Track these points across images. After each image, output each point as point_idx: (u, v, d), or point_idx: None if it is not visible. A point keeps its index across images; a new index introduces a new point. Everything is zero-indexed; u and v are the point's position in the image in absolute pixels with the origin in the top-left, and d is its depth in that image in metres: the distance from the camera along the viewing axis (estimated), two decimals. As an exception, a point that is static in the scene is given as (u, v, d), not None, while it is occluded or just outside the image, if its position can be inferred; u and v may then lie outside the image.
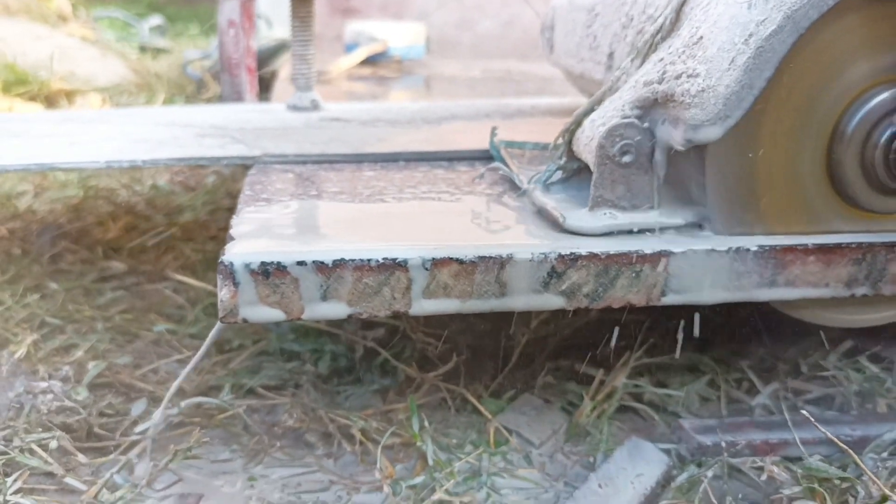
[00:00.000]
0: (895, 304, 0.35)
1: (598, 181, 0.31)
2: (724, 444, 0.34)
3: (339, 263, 0.29)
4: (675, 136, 0.30)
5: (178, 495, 0.33)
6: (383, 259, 0.29)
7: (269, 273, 0.29)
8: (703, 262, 0.30)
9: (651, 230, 0.31)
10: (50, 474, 0.33)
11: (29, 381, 0.39)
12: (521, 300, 0.31)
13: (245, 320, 0.29)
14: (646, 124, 0.31)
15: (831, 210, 0.32)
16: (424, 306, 0.30)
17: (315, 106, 0.57)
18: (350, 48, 0.92)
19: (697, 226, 0.32)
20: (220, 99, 0.63)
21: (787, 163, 0.31)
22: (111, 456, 0.34)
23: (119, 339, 0.43)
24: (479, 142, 0.43)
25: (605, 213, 0.31)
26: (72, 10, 1.62)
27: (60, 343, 0.43)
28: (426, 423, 0.36)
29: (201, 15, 2.78)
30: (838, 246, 0.32)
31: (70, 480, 0.33)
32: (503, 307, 0.31)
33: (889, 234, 0.32)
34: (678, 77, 0.29)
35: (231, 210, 0.55)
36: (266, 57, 1.16)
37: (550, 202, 0.33)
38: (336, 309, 0.30)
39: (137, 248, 0.55)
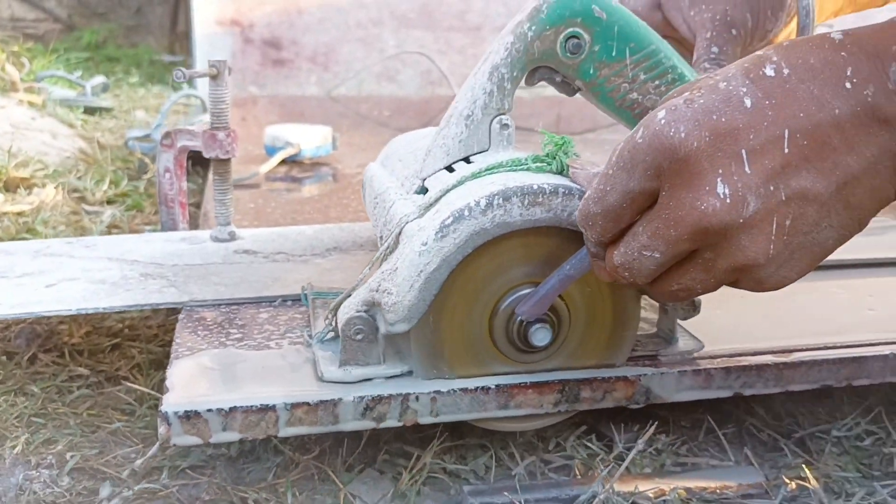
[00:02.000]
0: (556, 416, 0.55)
1: (342, 349, 0.50)
2: (488, 502, 0.53)
3: (233, 409, 0.47)
4: (382, 327, 0.49)
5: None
6: (260, 405, 0.48)
7: (189, 416, 0.47)
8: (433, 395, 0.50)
9: (380, 378, 0.50)
10: None
11: (25, 471, 0.56)
12: (350, 425, 0.50)
13: (175, 444, 0.48)
14: (370, 315, 0.50)
15: (492, 359, 0.51)
16: (287, 431, 0.49)
17: (232, 237, 0.75)
18: (269, 150, 1.10)
19: (410, 373, 0.51)
20: (160, 223, 0.80)
21: (462, 332, 0.50)
22: (87, 523, 0.52)
23: (87, 432, 0.61)
24: (345, 280, 0.61)
25: (347, 370, 0.50)
26: (19, 77, 1.75)
27: (44, 437, 0.60)
28: (297, 493, 0.54)
29: (140, 56, 2.92)
30: (546, 382, 0.52)
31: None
32: (339, 430, 0.50)
33: (579, 370, 0.53)
34: (384, 291, 0.48)
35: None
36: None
37: (321, 356, 0.52)
38: (232, 436, 0.48)
39: (96, 350, 0.72)
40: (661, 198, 0.38)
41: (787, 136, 0.36)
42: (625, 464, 0.55)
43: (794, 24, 0.60)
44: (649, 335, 0.57)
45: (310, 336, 0.56)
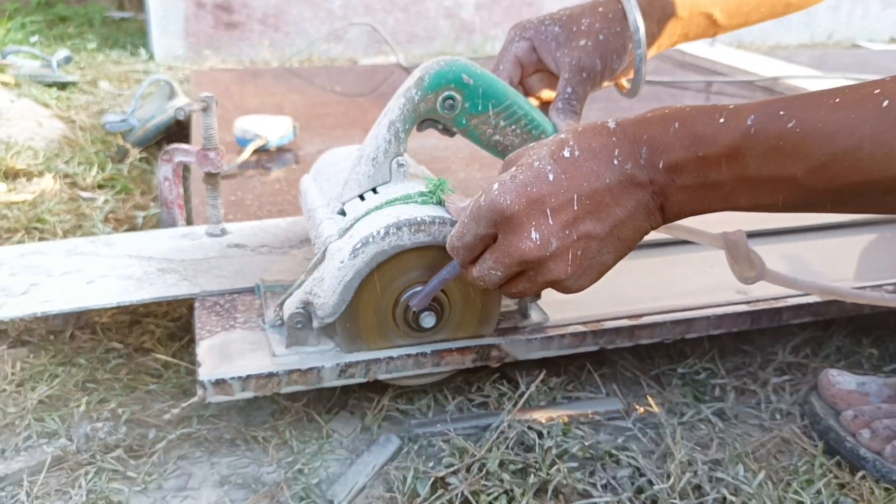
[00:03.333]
0: (440, 376, 0.76)
1: (287, 335, 0.69)
2: (422, 433, 0.76)
3: (249, 376, 0.69)
4: (315, 320, 0.68)
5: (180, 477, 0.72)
6: (268, 372, 0.69)
7: (219, 383, 0.68)
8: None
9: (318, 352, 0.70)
10: (115, 470, 0.71)
11: (91, 423, 0.76)
12: (329, 383, 0.71)
13: (210, 401, 0.69)
14: (306, 311, 0.68)
15: (396, 336, 0.71)
16: (287, 389, 0.70)
17: (223, 232, 0.95)
18: (240, 141, 1.28)
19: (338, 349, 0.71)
20: (161, 221, 0.99)
21: (373, 319, 0.69)
22: (143, 459, 0.73)
23: (129, 393, 0.81)
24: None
25: (292, 349, 0.69)
26: (-9, 57, 1.86)
27: (98, 398, 0.80)
28: (292, 430, 0.76)
29: (91, 14, 2.98)
30: (467, 347, 0.74)
31: (129, 473, 0.72)
32: (321, 387, 0.71)
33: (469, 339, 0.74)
34: (315, 294, 0.66)
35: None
36: (167, 127, 1.49)
37: (272, 338, 0.71)
38: (248, 394, 0.69)
39: (121, 327, 0.92)
40: (499, 239, 0.58)
41: (576, 198, 0.56)
42: (524, 398, 0.78)
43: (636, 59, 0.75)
44: (511, 311, 0.79)
45: (263, 322, 0.77)
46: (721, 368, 0.87)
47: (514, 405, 0.78)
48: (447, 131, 0.74)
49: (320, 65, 2.47)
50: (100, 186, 1.34)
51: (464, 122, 0.72)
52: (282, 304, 0.73)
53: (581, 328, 0.77)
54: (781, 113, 0.50)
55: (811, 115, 0.49)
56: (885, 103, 0.47)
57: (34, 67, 1.98)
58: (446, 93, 0.70)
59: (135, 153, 1.43)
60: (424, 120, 0.72)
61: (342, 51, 2.59)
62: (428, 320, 0.71)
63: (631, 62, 0.76)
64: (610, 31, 0.73)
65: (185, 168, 1.26)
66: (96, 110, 1.78)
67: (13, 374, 0.83)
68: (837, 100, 0.49)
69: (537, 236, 0.56)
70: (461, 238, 0.60)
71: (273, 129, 1.28)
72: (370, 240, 0.67)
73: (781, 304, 0.83)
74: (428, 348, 0.73)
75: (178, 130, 1.55)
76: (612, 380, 0.85)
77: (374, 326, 0.71)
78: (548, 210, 0.56)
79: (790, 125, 0.49)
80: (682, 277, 0.88)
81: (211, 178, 0.92)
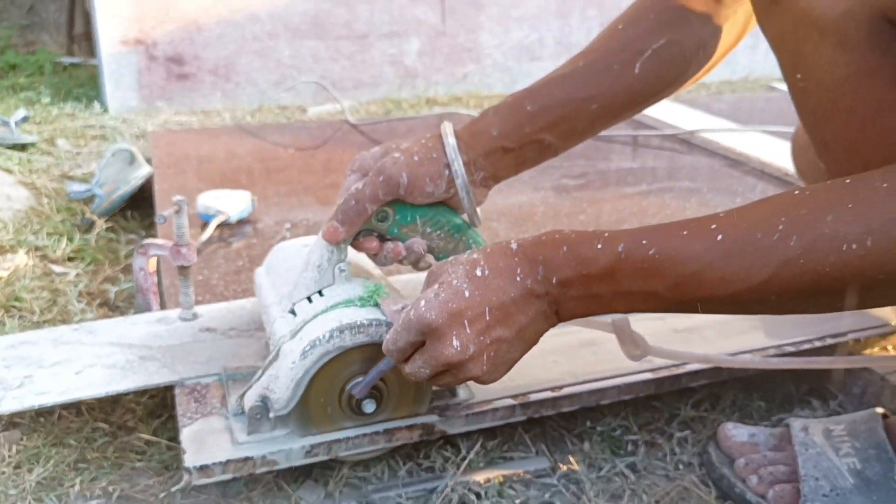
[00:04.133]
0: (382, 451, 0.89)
1: (248, 424, 0.80)
2: (378, 497, 0.88)
3: (228, 461, 0.80)
4: (272, 412, 0.79)
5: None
6: (244, 457, 0.81)
7: (203, 468, 0.79)
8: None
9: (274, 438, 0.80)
10: None
11: (86, 502, 0.87)
12: (298, 462, 0.83)
13: (195, 484, 0.80)
14: (264, 403, 0.78)
15: (342, 420, 0.82)
16: (261, 469, 0.82)
17: (195, 316, 1.06)
18: (203, 216, 1.39)
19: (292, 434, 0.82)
20: (137, 306, 1.09)
21: (322, 407, 0.79)
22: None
23: (116, 471, 0.92)
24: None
25: (253, 436, 0.79)
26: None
27: (90, 477, 0.90)
28: (264, 499, 0.87)
29: (41, 61, 3.03)
30: (413, 424, 0.86)
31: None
32: (291, 465, 0.83)
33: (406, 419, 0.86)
34: (271, 390, 0.77)
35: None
36: (131, 195, 1.59)
37: (234, 426, 0.82)
38: (227, 476, 0.81)
39: (104, 406, 1.02)
40: (426, 345, 0.70)
41: (488, 310, 0.68)
42: (465, 463, 0.91)
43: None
44: (441, 390, 0.91)
45: (226, 410, 0.87)
46: (634, 425, 1.01)
47: (457, 468, 0.91)
48: (382, 237, 0.86)
49: (271, 114, 2.57)
50: (70, 259, 1.43)
51: (395, 230, 0.85)
52: (242, 396, 0.85)
53: (511, 401, 0.91)
54: (644, 242, 0.64)
55: (667, 245, 0.63)
56: (720, 237, 0.61)
57: (-9, 126, 2.04)
58: (381, 208, 0.83)
59: (101, 224, 1.51)
60: (361, 230, 0.84)
61: (292, 100, 2.70)
62: (369, 406, 0.83)
63: (450, 189, 0.83)
64: (425, 156, 0.80)
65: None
66: (58, 173, 1.86)
67: (10, 456, 0.92)
68: (685, 232, 0.63)
69: (458, 343, 0.68)
70: (395, 343, 0.72)
71: (233, 204, 1.40)
72: (317, 342, 0.79)
73: (681, 370, 0.97)
74: (380, 427, 0.86)
75: (140, 195, 1.64)
76: (541, 439, 0.99)
77: (322, 413, 0.83)
78: (465, 321, 0.68)
79: (651, 252, 0.63)
80: (593, 352, 1.02)
81: (183, 269, 1.03)
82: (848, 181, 0.59)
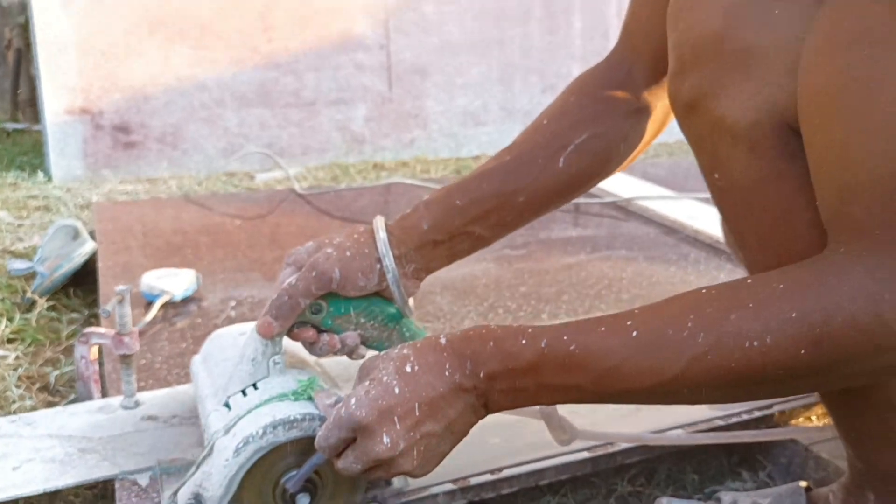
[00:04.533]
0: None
1: None
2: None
3: (167, 559, 0.80)
4: None
5: None
6: (184, 554, 0.81)
7: (141, 567, 0.79)
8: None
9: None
10: None
11: None
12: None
13: (133, 584, 0.80)
14: (197, 501, 0.78)
15: None
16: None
17: (137, 404, 1.06)
18: (147, 296, 1.39)
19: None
20: (77, 395, 1.09)
21: (258, 501, 0.80)
22: None
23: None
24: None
25: None
26: None
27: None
28: None
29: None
30: None
31: None
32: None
33: None
34: (204, 488, 0.77)
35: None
36: (74, 273, 1.58)
37: None
38: (167, 574, 0.81)
39: (43, 499, 1.01)
40: (358, 441, 0.72)
41: (417, 406, 0.70)
42: (407, 550, 0.92)
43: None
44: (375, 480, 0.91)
45: None
46: (573, 502, 1.04)
47: (399, 554, 0.92)
48: (315, 327, 0.87)
49: (218, 181, 2.59)
50: (9, 340, 1.41)
51: (329, 322, 0.86)
52: (176, 493, 0.85)
53: (451, 486, 0.93)
54: (565, 338, 0.67)
55: (586, 340, 0.66)
56: (635, 333, 0.64)
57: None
58: (315, 301, 0.84)
59: (42, 303, 1.50)
60: (296, 322, 0.86)
61: (239, 166, 2.72)
62: (303, 500, 0.84)
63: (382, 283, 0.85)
64: (357, 251, 0.82)
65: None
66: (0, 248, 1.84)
67: (-58, 557, 0.91)
68: (603, 328, 0.66)
69: (388, 440, 0.70)
70: (326, 440, 0.74)
71: (177, 283, 1.40)
72: (250, 439, 0.80)
73: (615, 448, 1.01)
74: (324, 517, 0.87)
75: (84, 270, 1.64)
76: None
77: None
78: (395, 418, 0.71)
79: (572, 347, 0.66)
80: (532, 433, 1.05)
81: (125, 358, 1.04)
82: (749, 281, 0.63)
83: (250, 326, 0.96)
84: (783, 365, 0.59)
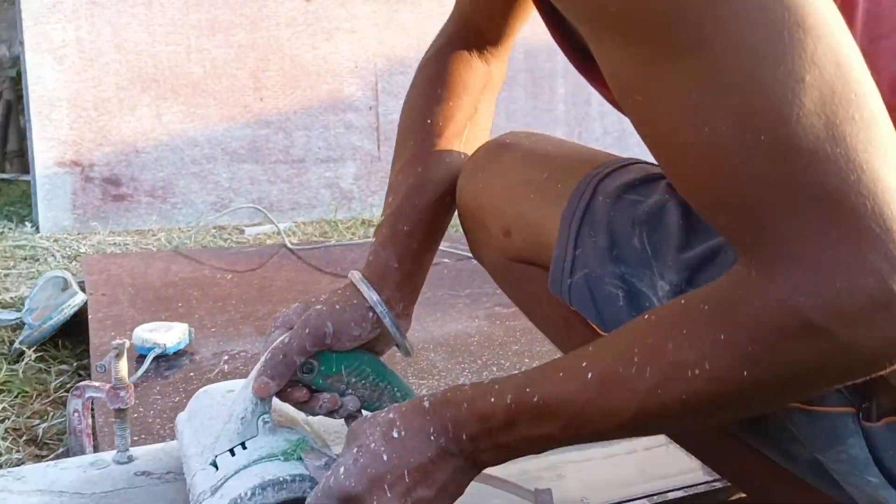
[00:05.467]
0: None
1: None
2: None
3: None
4: None
5: None
6: None
7: None
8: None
9: None
10: None
11: None
12: None
13: None
14: None
15: None
16: None
17: (130, 459, 1.04)
18: (139, 349, 1.38)
19: None
20: (70, 448, 1.07)
21: None
22: None
23: None
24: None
25: None
26: None
27: None
28: None
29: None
30: None
31: None
32: None
33: None
34: None
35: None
36: (65, 323, 1.57)
37: None
38: None
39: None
40: None
41: (406, 473, 0.69)
42: None
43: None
44: None
45: None
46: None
47: None
48: (307, 386, 0.86)
49: (208, 235, 2.59)
50: (-4, 392, 1.39)
51: (320, 381, 0.85)
52: None
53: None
54: (528, 389, 0.66)
55: (547, 389, 0.65)
56: (590, 375, 0.63)
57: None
58: (308, 360, 0.83)
59: (30, 354, 1.48)
60: (288, 381, 0.84)
61: (229, 220, 2.73)
62: None
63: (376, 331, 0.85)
64: (346, 304, 0.82)
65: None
66: (-15, 300, 1.82)
67: None
68: (561, 374, 0.65)
69: None
70: None
71: (170, 336, 1.39)
72: (239, 501, 0.78)
73: (616, 509, 1.00)
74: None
75: (72, 321, 1.62)
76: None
77: None
78: (385, 486, 0.70)
79: (535, 399, 0.66)
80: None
81: (120, 412, 1.02)
82: (682, 302, 0.60)
83: (237, 384, 0.95)
84: (731, 388, 0.57)
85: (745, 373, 0.55)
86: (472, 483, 0.77)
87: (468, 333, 1.65)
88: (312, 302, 0.86)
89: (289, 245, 2.22)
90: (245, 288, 1.84)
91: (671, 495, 1.05)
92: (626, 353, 0.61)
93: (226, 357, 1.44)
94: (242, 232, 2.65)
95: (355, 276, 0.87)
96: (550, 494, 0.82)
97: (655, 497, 1.04)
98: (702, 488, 1.07)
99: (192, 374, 1.36)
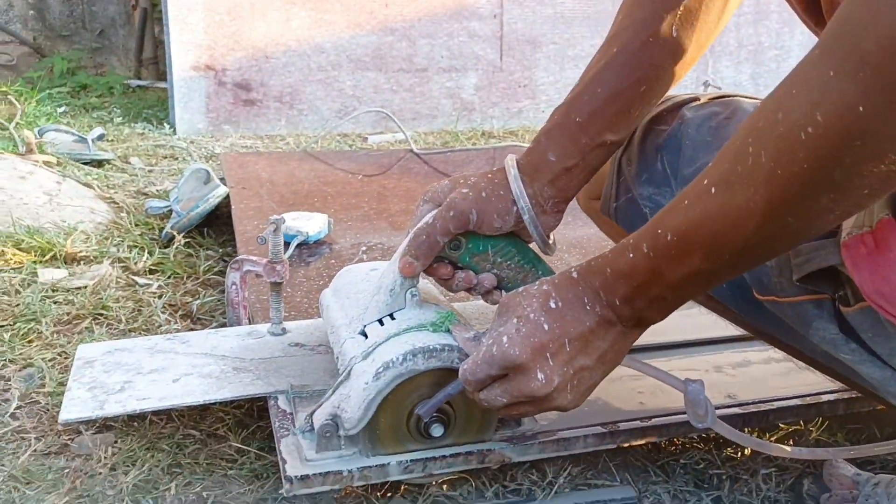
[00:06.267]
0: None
1: (317, 443, 0.80)
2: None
3: (327, 472, 0.81)
4: (342, 430, 0.79)
5: None
6: (347, 470, 0.82)
7: (303, 478, 0.81)
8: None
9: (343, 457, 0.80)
10: None
11: (181, 506, 0.89)
12: (395, 477, 0.84)
13: (294, 494, 0.81)
14: (334, 422, 0.78)
15: (409, 442, 0.82)
16: (359, 483, 0.83)
17: (284, 331, 1.08)
18: (284, 237, 1.42)
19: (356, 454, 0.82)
20: (227, 320, 1.12)
21: (391, 428, 0.80)
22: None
23: (209, 477, 0.93)
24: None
25: (321, 455, 0.79)
26: (34, 138, 2.00)
27: (185, 482, 0.92)
28: (356, 514, 0.89)
29: (112, 83, 3.13)
30: (481, 450, 0.86)
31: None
32: (387, 480, 0.84)
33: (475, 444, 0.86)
34: (342, 409, 0.76)
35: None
36: (211, 211, 1.63)
37: (303, 443, 0.82)
38: (325, 487, 0.82)
39: (192, 414, 1.04)
40: (509, 377, 0.71)
41: (567, 342, 0.70)
42: (554, 488, 0.92)
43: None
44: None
45: (294, 427, 0.87)
46: (717, 459, 1.01)
47: (542, 492, 0.91)
48: (453, 264, 0.87)
49: (333, 141, 2.63)
50: (150, 272, 1.47)
51: (467, 259, 0.85)
52: (311, 414, 0.86)
53: (600, 429, 0.91)
54: (659, 231, 0.64)
55: (676, 223, 0.63)
56: (712, 189, 0.60)
57: (68, 143, 2.11)
58: (454, 237, 0.83)
59: (179, 239, 1.55)
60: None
61: (352, 128, 2.75)
62: (437, 430, 0.84)
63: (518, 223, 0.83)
64: (493, 192, 0.81)
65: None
66: (134, 189, 1.92)
67: (105, 458, 0.95)
68: (686, 202, 0.63)
69: (542, 377, 0.70)
70: (474, 374, 0.73)
71: (312, 225, 1.43)
72: (390, 364, 0.80)
73: (767, 407, 0.97)
74: (474, 448, 0.87)
75: (214, 214, 1.69)
76: (624, 468, 0.99)
77: (391, 435, 0.84)
78: (548, 354, 0.70)
79: (669, 237, 0.64)
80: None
81: (276, 285, 1.06)
82: (792, 71, 0.57)
83: (380, 265, 0.96)
84: (846, 133, 0.51)
85: (861, 108, 0.49)
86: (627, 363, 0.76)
87: (601, 237, 1.61)
88: (461, 182, 0.84)
89: (415, 149, 2.23)
90: (375, 187, 1.86)
91: (824, 398, 1.01)
92: (741, 150, 0.58)
93: (364, 248, 1.47)
94: (366, 140, 2.67)
95: (509, 162, 0.84)
96: (702, 384, 0.79)
97: (808, 398, 1.00)
98: (854, 394, 1.03)
99: (332, 261, 1.39)
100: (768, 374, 1.06)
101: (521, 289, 0.75)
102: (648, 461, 1.00)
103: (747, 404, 0.98)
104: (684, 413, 0.94)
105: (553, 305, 0.71)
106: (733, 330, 1.16)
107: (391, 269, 0.85)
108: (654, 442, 0.97)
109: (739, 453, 1.03)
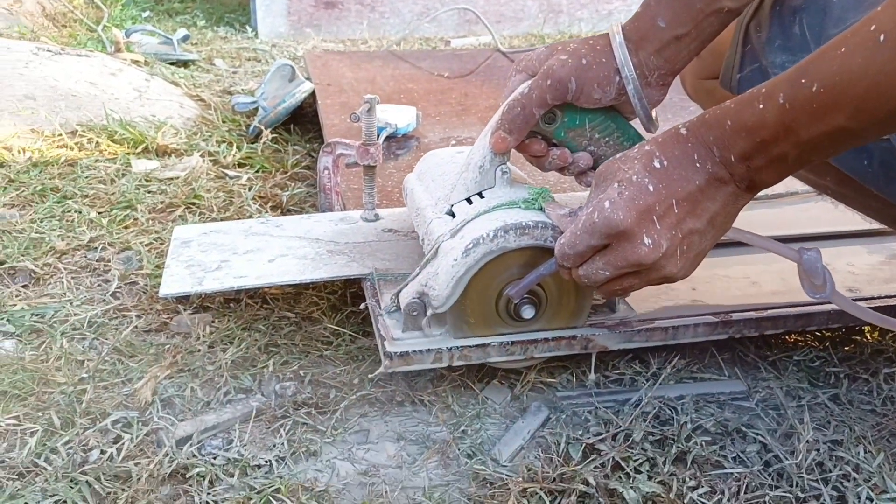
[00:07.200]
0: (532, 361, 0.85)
1: (404, 322, 0.77)
2: (567, 404, 0.86)
3: (428, 350, 0.79)
4: (429, 309, 0.76)
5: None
6: (448, 347, 0.80)
7: (403, 355, 0.79)
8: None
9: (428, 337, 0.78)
10: (306, 424, 0.84)
11: (279, 382, 0.88)
12: (496, 359, 0.82)
13: (393, 371, 0.80)
14: (421, 300, 0.75)
15: (498, 325, 0.78)
16: (458, 362, 0.81)
17: (376, 217, 1.06)
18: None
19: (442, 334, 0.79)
20: (319, 206, 1.10)
21: (479, 309, 0.76)
22: (328, 415, 0.85)
23: (304, 357, 0.93)
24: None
25: (408, 335, 0.76)
26: (122, 37, 2.00)
27: (281, 360, 0.92)
28: (452, 395, 0.87)
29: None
30: (570, 335, 0.82)
31: (318, 426, 0.83)
32: (487, 362, 0.82)
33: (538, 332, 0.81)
34: (430, 287, 0.73)
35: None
36: (297, 108, 1.61)
37: (389, 323, 0.79)
38: (423, 365, 0.80)
39: (287, 297, 1.04)
40: (612, 247, 0.66)
41: (675, 203, 0.64)
42: (659, 379, 0.88)
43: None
44: (599, 305, 0.86)
45: (379, 307, 0.85)
46: (834, 357, 0.95)
47: (647, 382, 0.88)
48: (547, 141, 0.80)
49: (415, 45, 2.56)
50: (239, 165, 1.46)
51: (562, 134, 0.78)
52: (398, 294, 0.83)
53: (712, 318, 0.86)
54: (804, 80, 0.57)
55: (828, 71, 0.56)
56: (882, 37, 0.53)
57: (154, 45, 2.11)
58: (549, 109, 0.76)
59: (267, 134, 1.54)
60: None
61: (435, 31, 2.67)
62: (528, 312, 0.79)
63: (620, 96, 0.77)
64: (594, 60, 0.74)
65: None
66: (219, 89, 1.91)
67: (203, 336, 0.95)
68: (843, 49, 0.55)
69: (650, 241, 0.65)
70: (573, 247, 0.68)
71: (400, 117, 1.39)
72: (480, 241, 0.75)
73: (894, 302, 0.90)
74: (578, 332, 0.83)
75: (299, 112, 1.66)
76: (732, 364, 0.94)
77: (479, 316, 0.80)
78: (654, 217, 0.64)
79: (815, 88, 0.56)
80: (778, 276, 0.96)
81: (369, 169, 1.03)
82: None
83: (465, 149, 0.91)
84: None
85: None
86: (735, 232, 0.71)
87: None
88: (558, 49, 0.76)
89: (501, 48, 2.14)
90: (462, 84, 1.80)
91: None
92: None
93: (453, 142, 1.42)
94: (448, 43, 2.59)
95: (613, 29, 0.76)
96: (818, 252, 0.72)
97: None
98: None
99: (421, 153, 1.35)
100: (893, 273, 0.99)
101: (619, 154, 0.69)
102: (759, 357, 0.95)
103: (872, 299, 0.91)
104: (802, 305, 0.89)
105: (658, 165, 0.65)
106: (854, 226, 1.07)
107: (480, 144, 0.80)
108: (768, 335, 0.91)
109: (859, 352, 0.97)
